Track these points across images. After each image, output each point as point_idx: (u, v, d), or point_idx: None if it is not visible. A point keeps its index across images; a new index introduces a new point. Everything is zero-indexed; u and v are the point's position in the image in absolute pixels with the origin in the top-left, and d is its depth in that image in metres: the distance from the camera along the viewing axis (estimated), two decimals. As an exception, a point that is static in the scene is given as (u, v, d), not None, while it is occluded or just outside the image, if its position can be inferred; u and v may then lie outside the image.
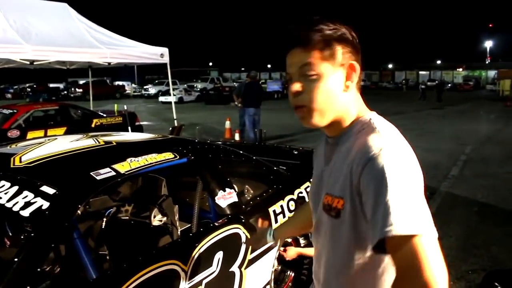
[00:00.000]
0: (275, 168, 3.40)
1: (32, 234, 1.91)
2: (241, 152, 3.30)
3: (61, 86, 46.58)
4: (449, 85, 54.14)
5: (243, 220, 2.64)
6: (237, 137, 11.49)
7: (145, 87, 44.59)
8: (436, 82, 39.99)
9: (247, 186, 3.03)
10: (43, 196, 1.95)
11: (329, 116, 1.22)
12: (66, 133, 8.98)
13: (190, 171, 3.00)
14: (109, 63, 10.76)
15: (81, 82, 42.16)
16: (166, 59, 11.06)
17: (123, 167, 2.28)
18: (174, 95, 25.34)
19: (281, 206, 3.00)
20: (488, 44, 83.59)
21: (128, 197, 2.98)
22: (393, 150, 1.10)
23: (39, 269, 1.76)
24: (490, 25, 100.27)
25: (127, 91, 46.98)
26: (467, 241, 4.85)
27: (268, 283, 2.89)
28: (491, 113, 21.52)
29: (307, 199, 3.22)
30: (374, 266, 1.18)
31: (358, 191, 1.11)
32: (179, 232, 2.78)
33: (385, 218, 1.00)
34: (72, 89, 41.50)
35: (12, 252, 2.07)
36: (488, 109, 24.44)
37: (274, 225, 2.16)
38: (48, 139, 2.83)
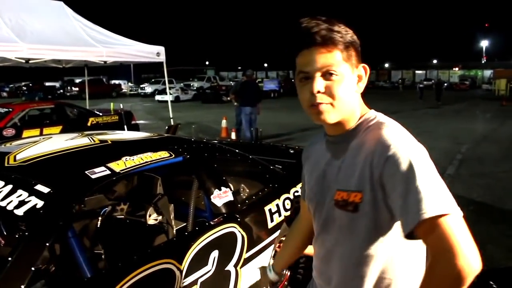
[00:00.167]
0: (271, 167, 3.40)
1: (27, 233, 1.90)
2: (237, 151, 3.29)
3: (57, 84, 46.43)
4: (445, 84, 54.30)
5: (239, 219, 2.63)
6: (233, 136, 11.49)
7: (141, 86, 44.48)
8: (433, 81, 40.09)
9: (242, 185, 3.03)
10: (37, 195, 1.94)
11: (343, 114, 1.26)
12: (62, 132, 8.95)
13: (185, 170, 2.99)
14: (105, 62, 10.73)
15: (77, 80, 42.07)
16: (162, 58, 11.04)
17: (118, 166, 2.27)
18: (170, 94, 25.26)
19: (277, 205, 3.00)
20: (484, 43, 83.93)
21: (124, 196, 2.97)
22: (409, 141, 1.18)
23: (33, 268, 1.75)
24: (486, 25, 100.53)
25: (123, 90, 46.93)
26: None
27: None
28: (487, 113, 21.59)
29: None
30: (394, 253, 1.24)
31: (380, 182, 1.16)
32: (174, 231, 2.78)
33: (419, 203, 1.06)
34: (68, 87, 41.40)
35: (6, 251, 2.06)
36: (484, 108, 24.51)
37: (271, 261, 2.08)
38: (43, 138, 2.82)
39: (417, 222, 1.05)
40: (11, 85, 44.89)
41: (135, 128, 11.13)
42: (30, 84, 42.88)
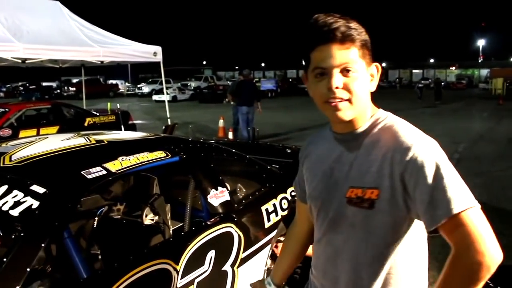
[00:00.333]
0: (268, 166, 3.40)
1: (22, 234, 1.89)
2: (234, 150, 3.29)
3: (54, 84, 46.35)
4: (442, 83, 54.44)
5: (236, 219, 2.63)
6: (230, 135, 11.49)
7: (138, 85, 44.42)
8: (430, 80, 40.12)
9: (239, 184, 3.02)
10: (33, 196, 1.94)
11: (358, 112, 1.26)
12: (58, 132, 8.93)
13: (182, 170, 2.99)
14: (102, 62, 10.71)
15: (74, 80, 42.02)
16: (159, 58, 11.02)
17: (114, 166, 2.27)
18: (167, 93, 25.28)
19: (274, 205, 3.00)
20: (481, 43, 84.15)
21: (120, 196, 2.96)
22: (428, 139, 1.21)
23: (29, 269, 1.74)
24: (483, 24, 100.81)
25: (120, 90, 46.89)
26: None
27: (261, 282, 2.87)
28: (483, 112, 21.64)
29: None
30: (403, 252, 1.25)
31: (401, 179, 1.17)
32: (171, 231, 2.77)
33: (447, 199, 1.10)
34: (65, 87, 41.36)
35: (2, 252, 2.05)
36: (481, 107, 24.57)
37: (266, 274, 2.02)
38: (39, 138, 2.81)
39: (447, 217, 1.09)
40: (8, 85, 44.79)
41: (132, 128, 11.12)
42: (27, 84, 42.78)
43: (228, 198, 2.70)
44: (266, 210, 2.92)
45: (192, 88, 39.48)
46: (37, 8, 9.85)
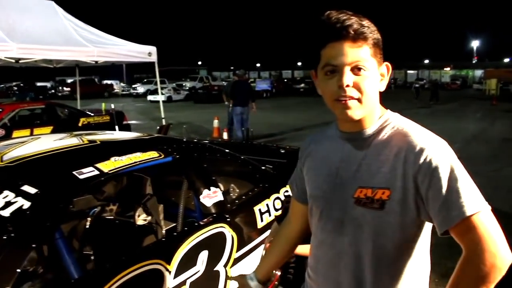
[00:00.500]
0: (261, 167, 3.40)
1: (13, 235, 1.88)
2: (227, 151, 3.29)
3: (48, 85, 46.15)
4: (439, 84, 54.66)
5: (228, 219, 2.63)
6: (225, 136, 11.48)
7: (133, 86, 44.29)
8: (425, 81, 40.20)
9: (232, 185, 3.02)
10: (24, 196, 1.93)
11: (368, 111, 1.25)
12: (52, 132, 8.89)
13: (175, 170, 2.98)
14: (96, 62, 10.68)
15: (69, 81, 41.85)
16: (154, 58, 11.00)
17: (106, 166, 2.26)
18: (162, 93, 25.23)
19: (267, 205, 3.00)
20: (475, 44, 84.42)
21: (113, 197, 2.95)
22: (439, 140, 1.22)
23: (19, 270, 1.74)
24: (477, 25, 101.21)
25: (115, 90, 46.73)
26: (453, 238, 4.88)
27: None
28: (477, 112, 21.74)
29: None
30: (413, 252, 1.25)
31: (414, 180, 1.16)
32: (163, 232, 2.77)
33: (462, 201, 1.11)
34: (60, 88, 41.18)
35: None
36: (475, 108, 24.67)
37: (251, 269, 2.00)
38: (31, 138, 2.80)
39: (461, 218, 1.10)
40: (2, 85, 44.50)
41: (127, 128, 11.10)
42: (21, 84, 42.58)
43: (221, 198, 2.70)
44: (259, 210, 2.92)
45: (187, 88, 39.40)
46: (31, 7, 9.80)
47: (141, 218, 2.72)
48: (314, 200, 1.40)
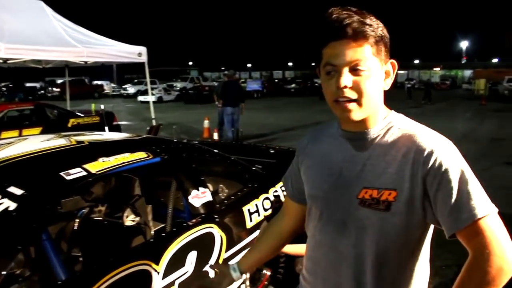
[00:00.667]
0: (250, 167, 3.40)
1: (-1, 236, 1.87)
2: (216, 151, 3.29)
3: (37, 85, 45.76)
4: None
5: (217, 219, 2.63)
6: (215, 136, 11.47)
7: (124, 86, 44.13)
8: (414, 81, 40.40)
9: (221, 185, 3.02)
10: (10, 197, 1.91)
11: (369, 111, 1.22)
12: (41, 133, 8.82)
13: (164, 171, 2.97)
14: (86, 62, 10.61)
15: (59, 81, 41.56)
16: (144, 58, 10.94)
17: (94, 166, 2.25)
18: (153, 94, 25.13)
19: (256, 205, 3.00)
20: (464, 44, 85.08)
21: (101, 198, 2.94)
22: (448, 142, 1.21)
23: (5, 272, 1.72)
24: (466, 26, 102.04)
25: (105, 91, 46.47)
26: (442, 237, 4.92)
27: (243, 282, 2.87)
28: (466, 112, 21.91)
29: (282, 198, 3.22)
30: (416, 255, 1.24)
31: (423, 181, 1.15)
32: (152, 232, 2.76)
33: (472, 203, 1.11)
34: (50, 88, 40.89)
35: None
36: (464, 107, 24.88)
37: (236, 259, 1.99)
38: (18, 139, 2.78)
39: (470, 221, 1.10)
40: (-10, 86, 44.06)
41: (117, 129, 11.04)
42: (10, 85, 42.17)
43: (210, 199, 2.70)
44: (248, 210, 2.92)
45: (178, 89, 39.27)
46: (20, 7, 9.71)
47: (130, 219, 2.70)
48: (314, 200, 1.37)
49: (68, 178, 2.10)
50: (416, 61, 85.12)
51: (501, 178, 7.78)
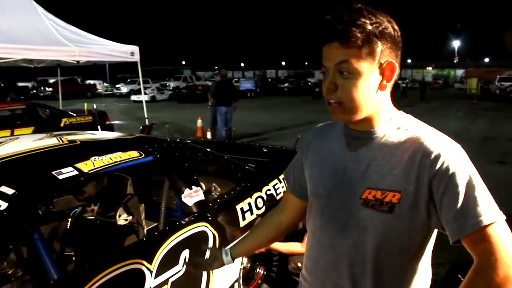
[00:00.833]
0: (243, 166, 3.40)
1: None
2: (209, 150, 3.29)
3: (29, 85, 45.45)
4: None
5: (210, 218, 2.63)
6: (209, 135, 11.46)
7: (117, 86, 43.84)
8: (407, 80, 40.54)
9: (214, 184, 3.02)
10: (1, 197, 1.90)
11: (362, 114, 1.20)
12: (33, 133, 8.76)
13: (156, 170, 2.97)
14: (78, 62, 10.53)
15: (51, 81, 41.28)
16: (136, 58, 10.88)
17: (86, 166, 2.24)
18: (146, 93, 25.07)
19: (249, 204, 3.01)
20: (456, 43, 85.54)
21: (94, 197, 2.93)
22: (455, 145, 1.18)
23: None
24: (458, 25, 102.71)
25: (98, 90, 46.22)
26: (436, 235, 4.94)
27: (237, 281, 2.88)
28: (458, 111, 22.02)
29: (275, 197, 3.23)
30: (418, 258, 1.22)
31: (429, 185, 1.12)
32: (145, 231, 2.76)
33: (479, 209, 1.08)
34: (42, 88, 40.64)
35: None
36: (456, 107, 24.99)
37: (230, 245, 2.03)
38: (10, 139, 2.76)
39: (477, 227, 1.07)
40: (-19, 86, 43.72)
41: (110, 128, 10.99)
42: (2, 85, 41.86)
43: (203, 198, 2.70)
44: (241, 209, 2.93)
45: (171, 88, 39.14)
46: (10, 6, 9.61)
47: (122, 218, 2.70)
48: (316, 198, 1.35)
49: (60, 177, 2.09)
50: (409, 61, 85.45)
51: (493, 176, 7.83)
